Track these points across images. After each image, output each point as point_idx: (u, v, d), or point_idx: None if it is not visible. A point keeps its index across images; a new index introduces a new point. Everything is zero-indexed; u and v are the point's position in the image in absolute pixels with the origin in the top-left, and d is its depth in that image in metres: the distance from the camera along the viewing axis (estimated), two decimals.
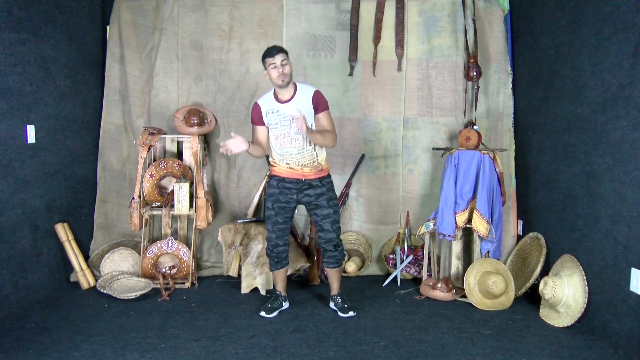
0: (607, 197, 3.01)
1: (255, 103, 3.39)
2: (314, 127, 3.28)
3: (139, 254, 4.07)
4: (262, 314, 3.37)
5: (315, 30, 4.33)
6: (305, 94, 3.29)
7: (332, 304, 3.51)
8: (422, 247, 4.13)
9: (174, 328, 3.17)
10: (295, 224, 4.33)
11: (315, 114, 3.28)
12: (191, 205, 4.04)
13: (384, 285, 4.01)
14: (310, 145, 3.29)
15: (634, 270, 2.77)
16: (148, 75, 4.39)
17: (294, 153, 3.31)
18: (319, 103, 3.28)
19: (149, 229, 4.21)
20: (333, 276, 3.50)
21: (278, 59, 3.17)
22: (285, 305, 3.52)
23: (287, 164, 3.35)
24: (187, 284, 3.93)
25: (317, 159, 3.35)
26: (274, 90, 3.33)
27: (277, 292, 3.53)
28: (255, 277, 3.81)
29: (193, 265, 4.02)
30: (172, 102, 4.39)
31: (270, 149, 3.43)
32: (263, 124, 3.36)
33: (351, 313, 3.39)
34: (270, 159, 3.45)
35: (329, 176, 3.43)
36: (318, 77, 4.29)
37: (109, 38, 4.39)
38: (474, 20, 4.21)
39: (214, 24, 4.35)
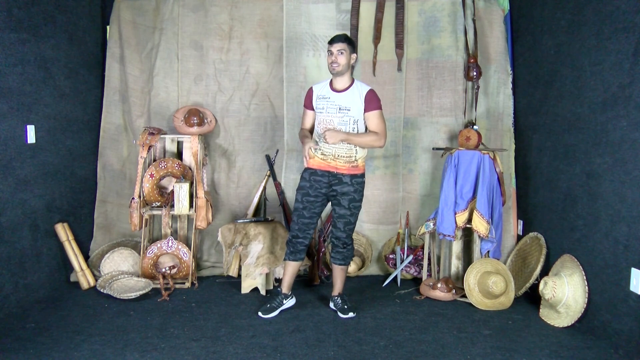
0: (607, 197, 3.01)
1: (311, 87, 3.45)
2: (359, 124, 3.29)
3: (139, 254, 4.07)
4: (260, 314, 3.36)
5: (315, 30, 4.33)
6: (359, 89, 3.31)
7: (332, 305, 3.51)
8: (422, 247, 4.14)
9: (174, 328, 3.17)
10: None
11: (365, 112, 3.29)
12: (191, 205, 4.04)
13: (384, 285, 4.01)
14: None
15: (634, 270, 2.77)
16: (148, 75, 4.39)
17: None
18: (371, 102, 3.28)
19: (149, 229, 4.21)
20: (337, 275, 3.50)
21: (335, 47, 3.23)
22: (288, 303, 3.48)
23: (322, 153, 3.34)
24: (187, 284, 3.93)
25: (355, 155, 3.33)
26: (331, 79, 3.37)
27: (278, 290, 3.52)
28: (255, 277, 3.81)
29: (193, 265, 4.02)
30: (172, 102, 4.39)
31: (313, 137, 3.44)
32: (312, 108, 3.40)
33: (351, 314, 3.39)
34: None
35: (362, 176, 3.39)
36: (318, 77, 4.29)
37: (109, 38, 4.39)
38: (474, 20, 4.21)
39: (214, 24, 4.35)
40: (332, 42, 3.27)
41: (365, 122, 3.32)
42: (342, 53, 3.23)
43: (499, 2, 4.26)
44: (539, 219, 3.84)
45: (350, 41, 3.28)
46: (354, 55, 3.30)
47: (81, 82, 4.15)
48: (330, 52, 3.26)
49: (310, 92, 3.42)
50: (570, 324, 3.19)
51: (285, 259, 3.51)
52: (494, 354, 2.87)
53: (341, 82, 3.32)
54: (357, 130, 3.30)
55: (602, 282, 3.05)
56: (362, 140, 3.27)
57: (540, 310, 3.44)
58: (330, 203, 3.48)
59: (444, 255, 4.04)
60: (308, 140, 3.33)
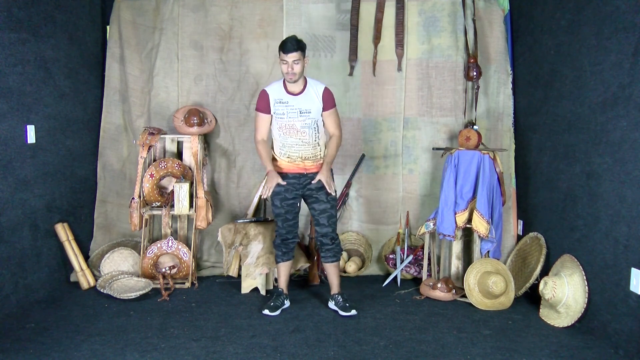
0: (607, 197, 3.01)
1: (263, 90, 3.36)
2: (319, 124, 3.33)
3: (139, 254, 4.07)
4: (266, 312, 3.37)
5: (315, 30, 4.33)
6: (315, 89, 3.31)
7: (332, 304, 3.50)
8: (422, 247, 4.13)
9: (174, 328, 3.17)
10: None
11: (323, 111, 3.32)
12: (191, 205, 4.04)
13: (384, 285, 4.01)
14: (315, 138, 3.32)
15: (634, 270, 2.77)
16: (148, 75, 4.39)
17: (296, 144, 3.31)
18: (328, 101, 3.32)
19: (149, 229, 4.21)
20: (332, 273, 3.49)
21: (290, 57, 3.15)
22: (287, 304, 3.51)
23: (288, 156, 3.36)
24: (187, 284, 3.93)
25: (321, 153, 3.38)
26: (284, 81, 3.32)
27: (280, 290, 3.52)
28: (255, 277, 3.81)
29: (193, 265, 4.02)
30: (172, 102, 4.39)
31: (272, 140, 3.44)
32: (269, 112, 3.35)
33: (353, 312, 3.37)
34: (272, 153, 3.45)
35: (330, 169, 3.43)
36: (318, 77, 4.26)
37: (109, 38, 4.39)
38: (474, 20, 4.21)
39: (214, 24, 4.35)
40: (285, 50, 3.15)
41: (323, 120, 3.34)
42: (297, 63, 3.16)
43: (499, 2, 4.26)
44: (539, 219, 3.84)
45: (301, 46, 3.19)
46: (306, 60, 3.25)
47: (81, 82, 4.15)
48: (285, 62, 3.17)
49: (265, 96, 3.33)
50: (570, 324, 3.19)
51: (278, 262, 3.52)
52: (494, 354, 2.87)
53: (296, 85, 3.28)
54: (318, 131, 3.34)
55: (602, 282, 3.05)
56: (335, 154, 3.37)
57: (540, 310, 3.44)
58: (305, 202, 3.48)
59: (444, 255, 4.04)
60: (273, 174, 3.26)
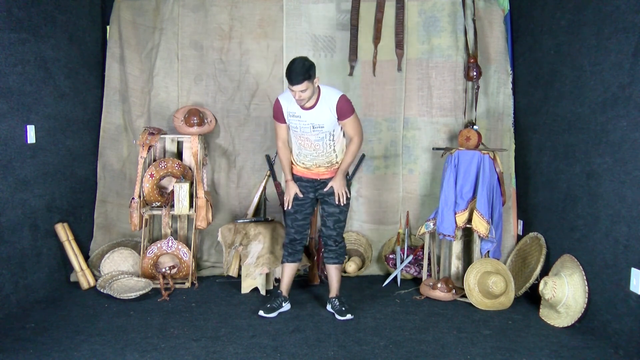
0: (607, 197, 3.01)
1: (277, 100, 3.31)
2: (335, 133, 3.28)
3: (139, 254, 4.07)
4: (261, 313, 3.37)
5: (315, 30, 4.33)
6: (327, 102, 3.16)
7: (329, 307, 3.48)
8: (422, 247, 4.14)
9: (174, 328, 3.17)
10: None
11: (339, 120, 3.23)
12: (191, 205, 4.04)
13: (384, 285, 4.01)
14: (330, 147, 3.31)
15: (634, 270, 2.78)
16: (148, 75, 4.39)
17: (311, 154, 3.33)
18: (343, 111, 3.19)
19: (149, 229, 4.21)
20: (332, 275, 3.48)
21: (296, 88, 3.01)
22: (285, 306, 3.50)
23: (303, 164, 3.39)
24: (187, 284, 3.93)
25: (335, 159, 3.37)
26: None
27: (278, 292, 3.52)
28: (255, 277, 3.81)
29: (193, 265, 4.02)
30: (172, 102, 4.39)
31: (291, 145, 3.48)
32: (285, 122, 3.33)
33: (349, 316, 3.35)
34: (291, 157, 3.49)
35: (345, 177, 3.43)
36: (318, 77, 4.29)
37: (109, 38, 4.39)
38: (474, 20, 4.21)
39: (214, 24, 4.35)
40: (290, 82, 3.01)
41: (341, 128, 3.31)
42: (304, 91, 3.03)
43: (499, 2, 4.26)
44: (539, 219, 3.84)
45: (308, 74, 2.99)
46: (316, 80, 3.07)
47: (81, 82, 4.15)
48: (292, 91, 3.05)
49: (279, 106, 3.29)
50: (570, 324, 3.19)
51: (283, 262, 3.52)
52: (494, 354, 2.87)
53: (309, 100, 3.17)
54: (334, 139, 3.29)
55: (602, 282, 3.05)
56: (351, 161, 3.37)
57: (540, 310, 3.44)
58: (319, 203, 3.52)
59: (444, 255, 4.04)
60: (292, 184, 3.39)
